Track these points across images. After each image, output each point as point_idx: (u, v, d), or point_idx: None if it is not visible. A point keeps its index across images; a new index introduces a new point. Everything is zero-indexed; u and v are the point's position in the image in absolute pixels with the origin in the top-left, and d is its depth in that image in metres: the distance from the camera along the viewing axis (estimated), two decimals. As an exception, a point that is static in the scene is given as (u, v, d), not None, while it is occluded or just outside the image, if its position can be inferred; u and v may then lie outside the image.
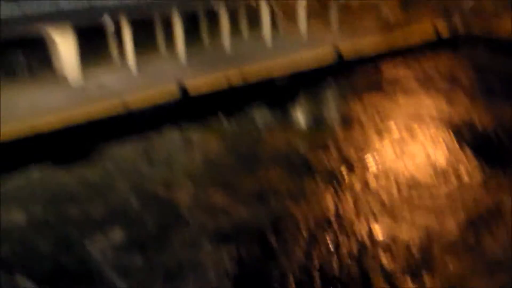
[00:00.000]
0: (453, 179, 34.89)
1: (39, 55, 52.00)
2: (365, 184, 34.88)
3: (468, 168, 36.16)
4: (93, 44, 54.29)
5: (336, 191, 34.14)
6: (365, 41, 59.98)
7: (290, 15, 68.41)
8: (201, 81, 47.98)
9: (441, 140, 40.64)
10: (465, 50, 63.84)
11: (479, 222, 30.25)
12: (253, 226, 30.81)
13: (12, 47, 49.18)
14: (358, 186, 34.68)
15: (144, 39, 57.85)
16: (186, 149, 40.94)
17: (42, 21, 46.99)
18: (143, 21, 57.33)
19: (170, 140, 42.34)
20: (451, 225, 30.13)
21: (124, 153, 40.21)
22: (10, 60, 50.34)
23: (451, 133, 41.50)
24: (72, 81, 49.50)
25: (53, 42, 49.19)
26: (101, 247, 29.99)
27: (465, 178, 34.96)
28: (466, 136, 40.94)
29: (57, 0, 48.80)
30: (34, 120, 40.34)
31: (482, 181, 34.47)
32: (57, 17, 47.68)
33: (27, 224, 31.71)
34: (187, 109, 44.96)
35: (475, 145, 39.04)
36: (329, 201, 32.92)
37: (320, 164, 37.31)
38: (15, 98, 46.04)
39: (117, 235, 30.72)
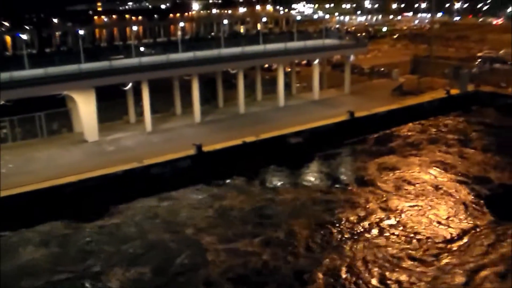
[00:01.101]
0: (468, 233, 35.12)
1: (59, 114, 53.25)
2: (378, 236, 35.29)
3: (482, 222, 36.44)
4: (112, 103, 55.73)
5: (351, 243, 34.49)
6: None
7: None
8: (216, 141, 48.64)
9: (455, 196, 40.95)
10: (475, 109, 64.96)
11: (492, 275, 30.42)
12: (276, 269, 31.71)
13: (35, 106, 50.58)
14: (371, 239, 35.03)
15: (162, 100, 59.40)
16: (206, 204, 41.09)
17: (63, 81, 48.26)
18: (162, 82, 58.97)
19: (190, 196, 42.46)
20: (464, 277, 30.31)
21: (146, 206, 40.47)
22: (32, 119, 51.40)
23: (465, 189, 41.93)
24: (90, 138, 50.30)
25: (74, 101, 50.28)
26: (124, 280, 31.09)
27: (480, 232, 35.22)
28: (480, 191, 41.39)
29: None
30: (52, 174, 41.13)
31: (496, 235, 34.76)
32: (79, 77, 48.98)
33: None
34: (203, 167, 45.29)
35: (489, 200, 39.45)
36: (345, 251, 33.40)
37: (336, 219, 37.81)
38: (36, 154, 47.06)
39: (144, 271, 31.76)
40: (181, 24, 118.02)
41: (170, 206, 40.57)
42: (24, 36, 66.50)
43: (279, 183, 45.04)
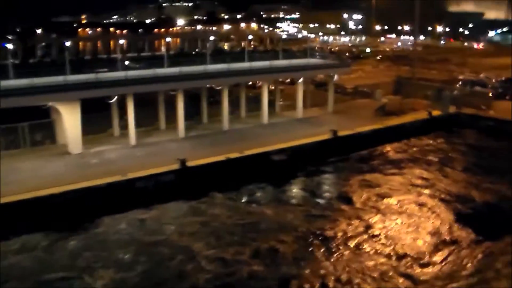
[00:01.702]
0: (447, 248, 35.83)
1: (42, 125, 52.97)
2: (357, 250, 35.83)
3: (462, 239, 37.16)
4: (96, 115, 55.48)
5: (331, 257, 34.89)
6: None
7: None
8: (200, 156, 48.81)
9: (436, 213, 41.67)
10: (456, 130, 66.10)
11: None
12: (261, 275, 32.71)
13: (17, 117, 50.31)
14: (351, 252, 35.54)
15: (146, 114, 59.38)
16: (192, 217, 41.33)
17: (49, 92, 48.23)
18: (146, 96, 59.01)
19: (174, 210, 42.62)
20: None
21: (130, 219, 40.58)
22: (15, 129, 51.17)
23: (446, 207, 42.74)
24: (73, 151, 50.14)
25: (58, 112, 50.18)
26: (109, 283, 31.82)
27: (458, 247, 35.97)
28: (460, 209, 42.28)
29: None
30: (36, 185, 40.95)
31: (474, 250, 35.57)
32: (65, 89, 48.95)
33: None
34: (187, 182, 45.37)
35: (469, 218, 40.36)
36: (325, 265, 33.92)
37: (316, 234, 38.12)
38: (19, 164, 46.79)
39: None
40: (167, 39, 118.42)
41: (154, 219, 40.68)
42: (10, 46, 66.25)
43: (262, 199, 45.25)
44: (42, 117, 52.72)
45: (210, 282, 32.06)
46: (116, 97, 53.81)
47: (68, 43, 64.29)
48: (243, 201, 44.52)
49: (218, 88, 61.35)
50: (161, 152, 50.98)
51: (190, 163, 46.63)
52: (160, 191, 43.53)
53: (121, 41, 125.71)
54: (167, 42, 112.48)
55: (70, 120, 49.87)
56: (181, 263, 34.13)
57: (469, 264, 33.84)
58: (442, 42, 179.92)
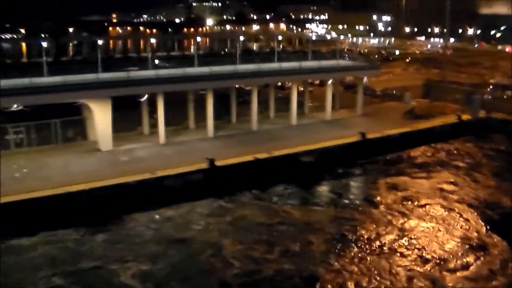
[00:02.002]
0: (475, 254, 35.49)
1: (74, 122, 53.90)
2: (384, 253, 35.72)
3: (490, 245, 36.78)
4: (126, 113, 56.22)
5: (358, 259, 34.74)
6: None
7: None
8: (229, 156, 49.11)
9: (465, 219, 41.21)
10: (486, 135, 65.15)
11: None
12: (288, 273, 32.94)
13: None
14: (377, 255, 35.42)
15: (176, 113, 59.94)
16: (220, 216, 41.70)
17: (82, 89, 49.07)
18: (176, 95, 59.56)
19: (202, 208, 42.93)
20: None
21: (158, 216, 41.12)
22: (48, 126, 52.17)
23: (475, 212, 42.28)
24: (104, 148, 50.94)
25: (90, 109, 50.99)
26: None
27: (487, 253, 35.63)
28: (490, 215, 41.78)
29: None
30: (66, 181, 41.72)
31: (502, 256, 35.16)
32: (97, 86, 49.74)
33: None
34: (215, 181, 45.73)
35: (496, 223, 39.96)
36: (350, 265, 33.85)
37: (344, 236, 38.24)
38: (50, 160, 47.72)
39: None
40: (196, 38, 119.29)
41: (182, 216, 41.19)
42: (45, 44, 67.53)
43: (290, 200, 45.30)
44: (74, 114, 53.72)
45: (238, 278, 32.48)
46: (146, 96, 54.46)
47: (99, 42, 65.22)
48: (271, 201, 44.61)
49: (247, 88, 61.64)
50: (190, 151, 51.44)
51: (218, 163, 46.96)
52: (189, 190, 43.93)
53: (151, 40, 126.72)
54: (197, 41, 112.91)
55: (101, 117, 50.66)
56: (209, 259, 34.61)
57: (497, 272, 33.49)
58: (476, 45, 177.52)
